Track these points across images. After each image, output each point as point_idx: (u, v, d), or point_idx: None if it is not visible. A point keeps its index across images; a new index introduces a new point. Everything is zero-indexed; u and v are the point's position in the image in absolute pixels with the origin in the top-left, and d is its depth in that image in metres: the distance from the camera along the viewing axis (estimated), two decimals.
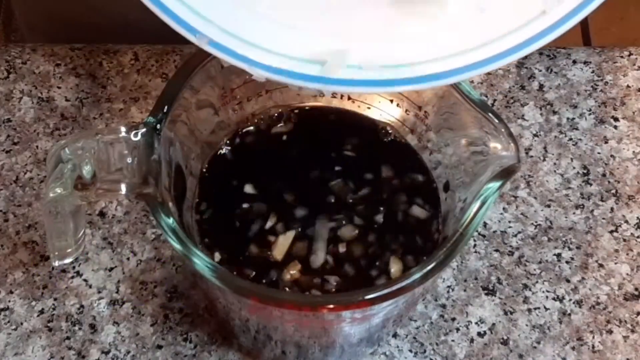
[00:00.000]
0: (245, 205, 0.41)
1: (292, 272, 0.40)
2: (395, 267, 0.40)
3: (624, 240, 0.51)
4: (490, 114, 0.37)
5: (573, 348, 0.47)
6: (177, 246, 0.34)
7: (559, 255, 0.50)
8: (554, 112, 0.55)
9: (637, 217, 0.51)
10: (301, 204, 0.41)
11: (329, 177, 0.42)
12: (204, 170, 0.42)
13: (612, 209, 0.52)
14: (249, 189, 0.42)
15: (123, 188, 0.36)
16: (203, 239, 0.41)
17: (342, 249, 0.40)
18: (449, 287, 0.49)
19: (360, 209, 0.41)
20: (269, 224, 0.41)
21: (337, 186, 0.42)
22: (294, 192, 0.42)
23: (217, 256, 0.40)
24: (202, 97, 0.40)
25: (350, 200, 0.42)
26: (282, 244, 0.40)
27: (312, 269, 0.40)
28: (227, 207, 0.41)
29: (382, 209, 0.41)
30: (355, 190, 0.42)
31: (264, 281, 0.39)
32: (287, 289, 0.39)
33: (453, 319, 0.48)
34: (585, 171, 0.53)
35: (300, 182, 0.42)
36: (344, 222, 0.41)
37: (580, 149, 0.54)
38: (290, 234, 0.40)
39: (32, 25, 0.70)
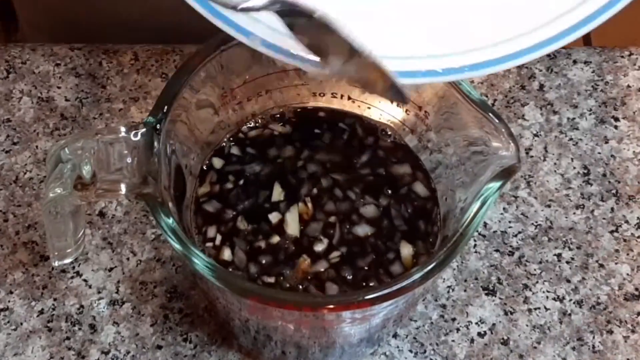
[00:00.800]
0: (245, 202, 0.41)
1: (303, 266, 0.40)
2: (397, 263, 0.40)
3: (625, 240, 0.51)
4: (490, 114, 0.37)
5: (573, 348, 0.47)
6: (177, 246, 0.34)
7: (559, 255, 0.50)
8: (555, 112, 0.55)
9: (638, 217, 0.51)
10: (300, 200, 0.41)
11: (329, 176, 0.42)
12: (204, 167, 0.42)
13: (612, 209, 0.52)
14: (248, 187, 0.42)
15: (123, 188, 0.36)
16: (202, 236, 0.41)
17: (346, 246, 0.40)
18: (449, 287, 0.49)
19: (361, 206, 0.41)
20: (270, 218, 0.41)
21: (338, 184, 0.42)
22: (293, 191, 0.42)
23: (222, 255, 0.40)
24: (202, 97, 0.40)
25: (352, 197, 0.42)
26: (291, 223, 0.40)
27: (317, 256, 0.40)
28: (228, 205, 0.41)
29: (383, 205, 0.41)
30: (355, 188, 0.42)
31: (273, 275, 0.39)
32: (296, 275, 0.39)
33: (453, 319, 0.48)
34: (585, 171, 0.53)
35: (300, 181, 0.42)
36: (346, 216, 0.41)
37: (580, 149, 0.54)
38: (295, 225, 0.40)
39: (32, 24, 0.70)
